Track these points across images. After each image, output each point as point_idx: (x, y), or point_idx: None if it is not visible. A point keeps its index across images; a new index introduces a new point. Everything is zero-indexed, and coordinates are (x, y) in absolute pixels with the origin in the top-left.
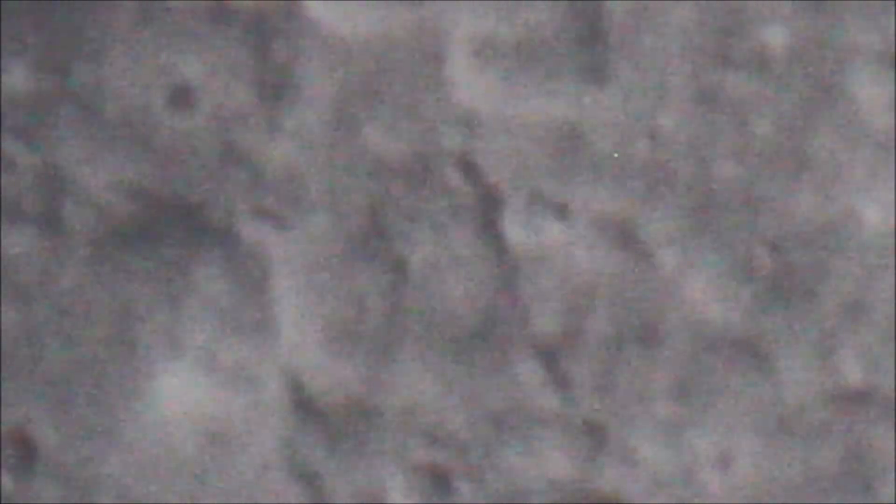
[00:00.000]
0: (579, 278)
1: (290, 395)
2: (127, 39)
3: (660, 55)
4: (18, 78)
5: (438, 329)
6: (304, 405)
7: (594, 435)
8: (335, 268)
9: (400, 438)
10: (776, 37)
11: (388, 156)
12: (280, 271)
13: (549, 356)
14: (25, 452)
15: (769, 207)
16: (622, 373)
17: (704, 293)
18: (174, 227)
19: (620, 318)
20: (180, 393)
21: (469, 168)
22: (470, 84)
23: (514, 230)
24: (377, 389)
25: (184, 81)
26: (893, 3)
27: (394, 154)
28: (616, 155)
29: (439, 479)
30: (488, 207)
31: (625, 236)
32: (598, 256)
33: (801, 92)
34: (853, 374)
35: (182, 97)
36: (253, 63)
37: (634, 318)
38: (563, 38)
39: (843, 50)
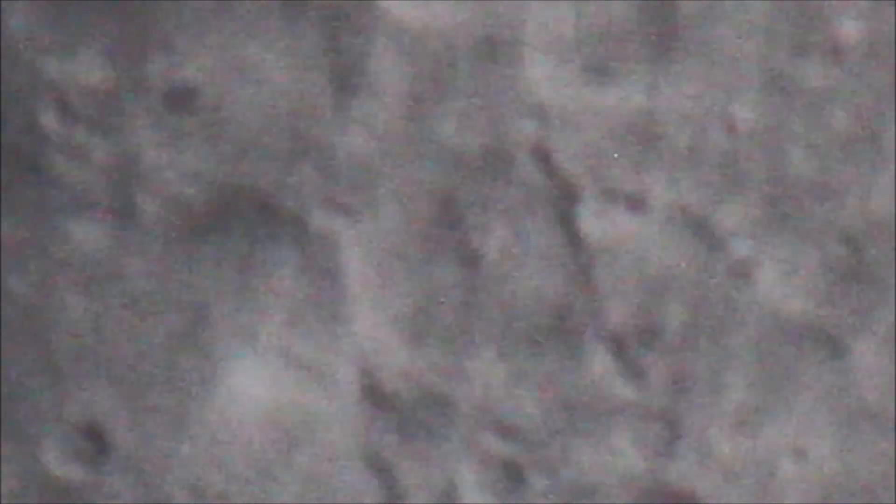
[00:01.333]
0: (653, 269)
1: (363, 387)
2: (200, 30)
3: (734, 46)
4: (93, 69)
5: (512, 320)
6: (376, 397)
7: (668, 427)
8: (408, 259)
9: (473, 430)
10: (851, 28)
11: (461, 147)
12: (352, 263)
13: (623, 348)
14: (97, 444)
15: (844, 198)
16: (696, 364)
17: (779, 284)
18: (247, 219)
19: (694, 309)
20: (253, 384)
21: (543, 159)
22: (543, 75)
23: (589, 221)
24: (450, 381)
25: (256, 72)
26: None
27: (467, 145)
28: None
29: (512, 472)
30: (562, 199)
31: (699, 227)
32: (672, 247)
33: (876, 83)
34: None
35: (254, 88)
36: (325, 54)
37: (708, 309)
38: (636, 29)
39: None
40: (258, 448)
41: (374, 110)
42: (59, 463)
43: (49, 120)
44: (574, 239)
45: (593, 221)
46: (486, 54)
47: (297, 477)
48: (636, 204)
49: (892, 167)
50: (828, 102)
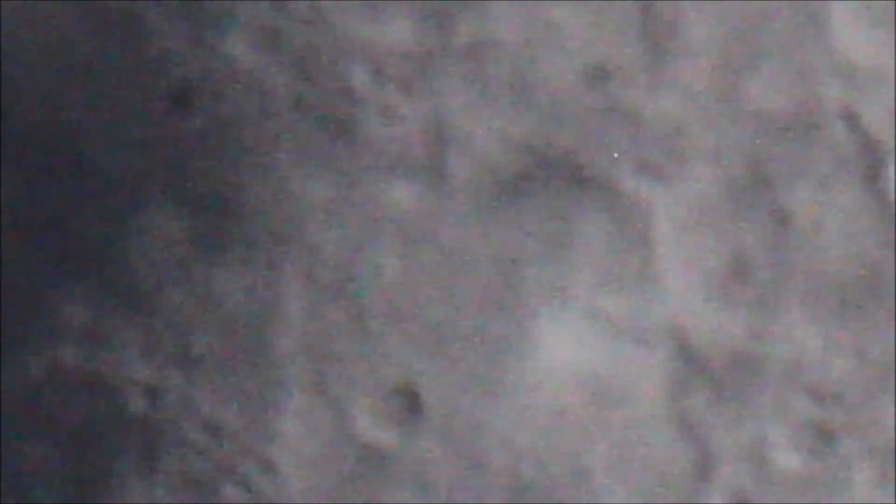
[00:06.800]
0: None
1: (673, 348)
2: None
3: None
4: (404, 31)
5: (823, 283)
6: (686, 358)
7: None
8: (718, 220)
9: (784, 392)
10: None
11: (770, 109)
12: (662, 224)
13: None
14: (410, 406)
15: None
16: None
17: None
18: (557, 181)
19: None
20: (564, 345)
21: (852, 121)
22: (853, 37)
23: None
24: (761, 342)
25: (566, 34)
26: None
27: (777, 107)
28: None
29: (822, 433)
30: (872, 161)
31: None
32: None
33: None
34: None
35: (564, 49)
36: (637, 18)
37: None
38: None
39: None
40: (571, 409)
41: (685, 73)
42: (371, 425)
43: (361, 82)
44: (882, 201)
45: None
46: (796, 16)
47: (609, 438)
48: None
49: None
50: None
